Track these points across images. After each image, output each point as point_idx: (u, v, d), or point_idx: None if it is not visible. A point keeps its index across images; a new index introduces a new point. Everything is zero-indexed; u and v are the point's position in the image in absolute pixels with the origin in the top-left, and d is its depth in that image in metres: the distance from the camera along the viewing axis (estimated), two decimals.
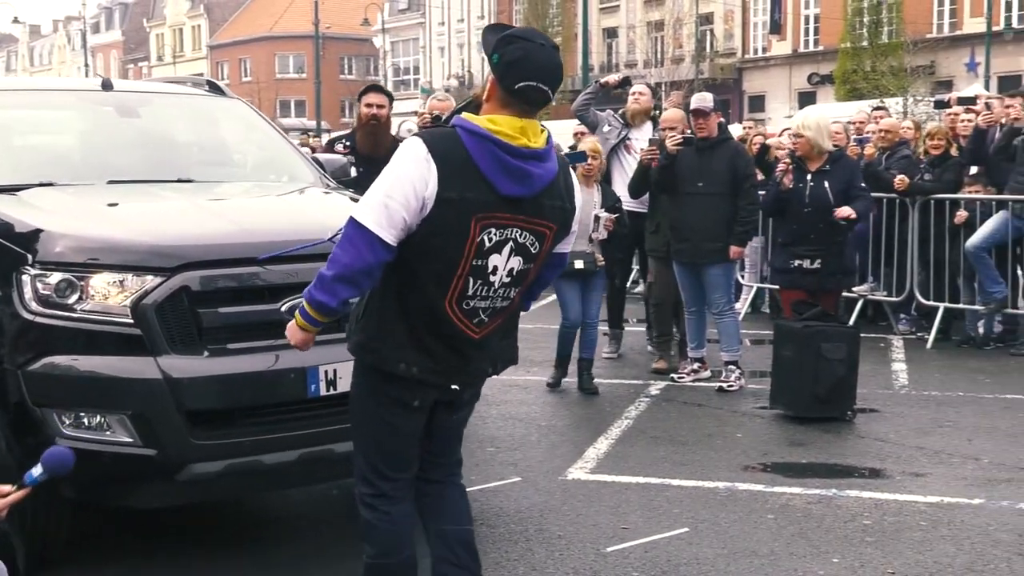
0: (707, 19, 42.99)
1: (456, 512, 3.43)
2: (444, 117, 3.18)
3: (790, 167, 7.26)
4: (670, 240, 7.75)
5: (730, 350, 7.62)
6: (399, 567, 3.29)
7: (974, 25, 35.13)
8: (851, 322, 8.83)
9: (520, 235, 3.08)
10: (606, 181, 7.88)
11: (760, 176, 8.88)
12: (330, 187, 5.47)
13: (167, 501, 4.14)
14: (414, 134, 3.11)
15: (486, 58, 3.08)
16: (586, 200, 6.30)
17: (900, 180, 9.17)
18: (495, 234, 3.03)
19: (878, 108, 13.07)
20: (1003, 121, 9.24)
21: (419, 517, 3.40)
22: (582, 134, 10.15)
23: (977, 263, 8.89)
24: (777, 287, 8.30)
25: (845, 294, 9.41)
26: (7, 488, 2.86)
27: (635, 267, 10.29)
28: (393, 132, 7.60)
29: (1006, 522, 4.84)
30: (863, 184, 7.36)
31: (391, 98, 7.15)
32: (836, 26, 37.50)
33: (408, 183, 2.95)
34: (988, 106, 9.82)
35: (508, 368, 3.51)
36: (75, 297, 3.87)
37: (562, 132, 10.93)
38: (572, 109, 9.08)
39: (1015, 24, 34.89)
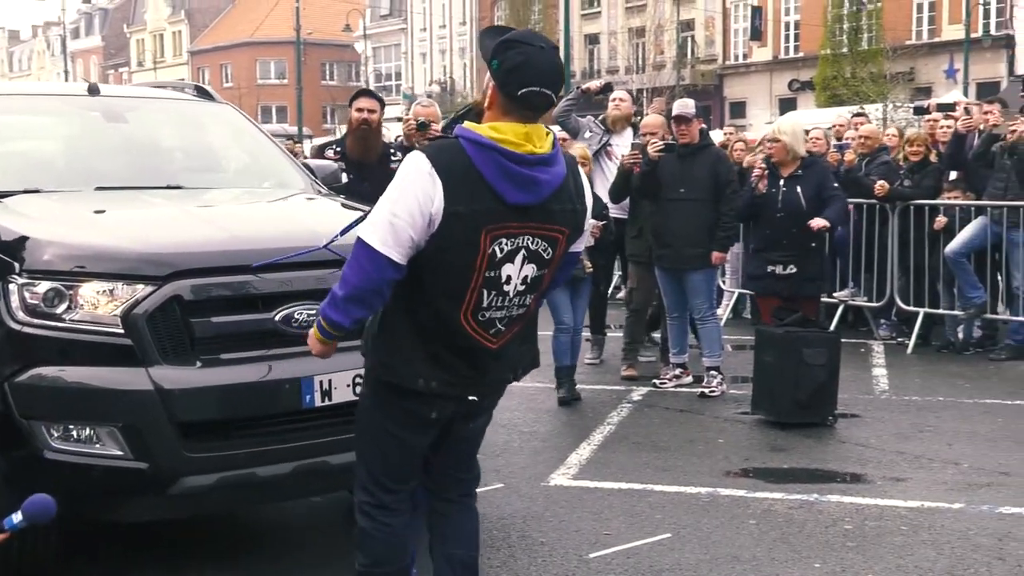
0: (688, 25, 43.15)
1: (466, 538, 3.39)
2: (443, 125, 3.13)
3: (765, 172, 7.31)
4: (652, 246, 7.77)
5: (712, 356, 7.65)
6: None
7: (953, 32, 35.37)
8: (832, 327, 8.86)
9: (532, 242, 3.02)
10: None
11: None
12: (321, 193, 5.40)
13: (158, 515, 4.04)
14: (416, 148, 3.01)
15: (485, 63, 3.01)
16: None
17: (880, 186, 9.22)
18: (506, 244, 2.97)
19: (858, 115, 13.13)
20: (981, 127, 9.31)
21: (428, 533, 3.37)
22: (564, 140, 10.16)
23: (956, 268, 8.94)
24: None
25: (825, 299, 9.47)
26: None
27: (618, 273, 10.31)
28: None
29: (986, 526, 4.87)
30: (835, 185, 7.41)
31: (382, 103, 7.08)
32: (816, 33, 37.71)
33: (413, 200, 2.89)
34: (967, 111, 9.90)
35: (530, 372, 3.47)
36: (64, 306, 3.78)
37: None
38: (553, 115, 9.08)
39: (993, 31, 35.13)
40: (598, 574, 4.36)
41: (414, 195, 2.89)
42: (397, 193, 2.93)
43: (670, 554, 4.56)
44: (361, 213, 3.51)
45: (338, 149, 6.87)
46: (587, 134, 8.62)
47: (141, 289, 3.77)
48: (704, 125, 8.06)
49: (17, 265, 3.84)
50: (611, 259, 8.99)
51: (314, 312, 3.80)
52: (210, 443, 3.83)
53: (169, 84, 7.12)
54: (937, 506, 5.16)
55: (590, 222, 3.28)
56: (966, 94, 29.38)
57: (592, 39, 47.56)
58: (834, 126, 12.24)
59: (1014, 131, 8.65)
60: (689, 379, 7.87)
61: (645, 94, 37.26)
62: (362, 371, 3.47)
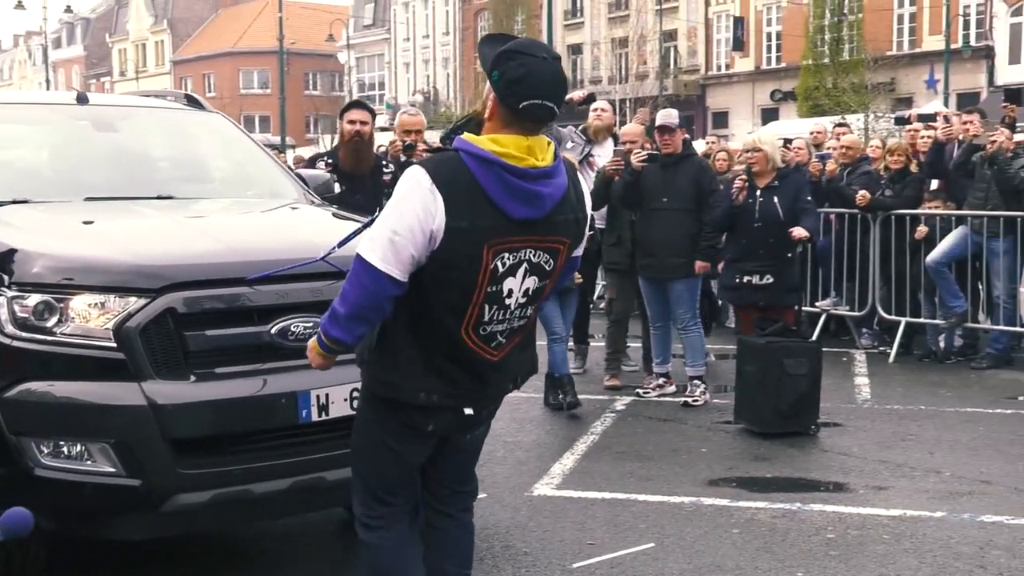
0: (671, 36, 43.33)
1: (461, 555, 3.36)
2: (442, 136, 3.05)
3: (746, 183, 7.36)
4: (634, 255, 7.79)
5: (695, 365, 7.66)
6: None
7: (933, 43, 35.63)
8: (814, 337, 8.90)
9: (534, 255, 2.97)
10: None
11: None
12: (314, 203, 5.33)
13: (151, 533, 3.93)
14: (416, 163, 2.94)
15: (484, 73, 2.94)
16: None
17: (862, 196, 9.27)
18: (508, 258, 2.92)
19: (840, 125, 13.22)
20: (960, 137, 9.38)
21: (423, 545, 3.32)
22: None
23: (937, 278, 8.99)
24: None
25: (807, 309, 9.52)
26: None
27: (601, 282, 10.32)
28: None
29: (967, 535, 4.89)
30: (809, 198, 7.48)
31: (374, 114, 7.03)
32: (798, 43, 37.92)
33: (414, 217, 2.82)
34: (947, 120, 9.98)
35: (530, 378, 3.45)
36: (54, 320, 3.70)
37: None
38: None
39: (973, 42, 35.42)
40: None
41: (414, 211, 2.83)
42: (397, 209, 2.86)
43: (654, 564, 4.56)
44: (358, 224, 3.47)
45: (330, 161, 6.81)
46: (569, 144, 8.63)
47: (134, 302, 3.69)
48: (687, 135, 8.08)
49: (6, 278, 3.77)
50: (595, 269, 9.00)
51: (311, 325, 3.80)
52: (204, 459, 3.75)
53: (159, 93, 7.05)
54: (919, 515, 5.17)
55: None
56: (946, 104, 29.55)
57: (575, 49, 47.68)
58: (812, 132, 12.45)
59: (994, 141, 8.71)
60: (672, 388, 7.88)
61: (628, 104, 37.37)
62: (359, 385, 3.41)
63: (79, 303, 3.72)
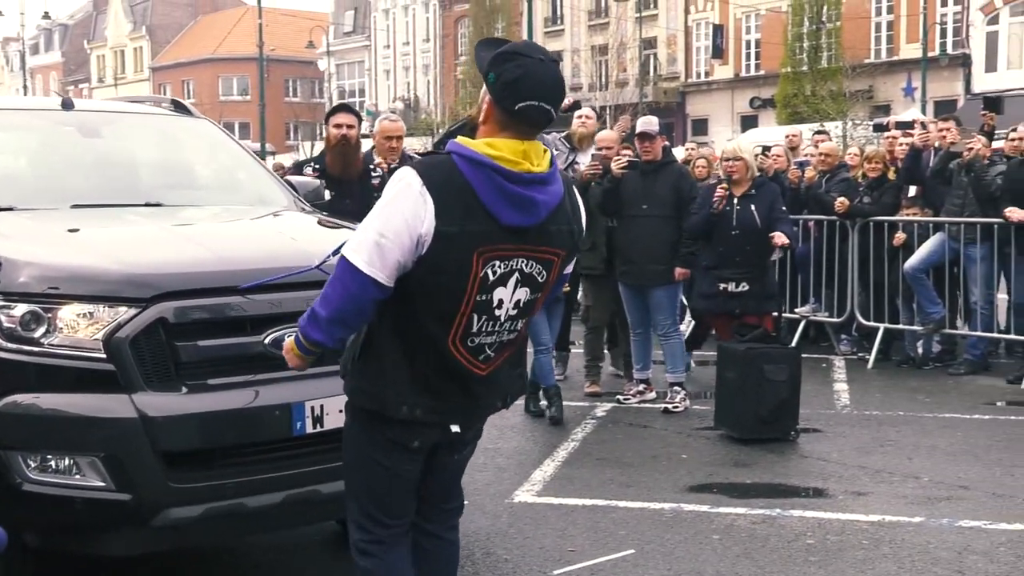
0: (650, 43, 43.46)
1: (447, 572, 3.27)
2: (435, 141, 2.94)
3: (727, 191, 7.40)
4: (609, 260, 7.81)
5: (675, 371, 7.68)
6: None
7: (910, 51, 35.88)
8: (793, 343, 8.94)
9: (526, 265, 2.86)
10: None
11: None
12: (305, 210, 5.25)
13: (142, 549, 3.82)
14: (407, 165, 2.86)
15: (481, 76, 2.86)
16: None
17: (840, 203, 9.32)
18: (499, 267, 2.82)
19: (819, 132, 13.31)
20: (936, 144, 9.45)
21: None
22: None
23: (915, 284, 9.05)
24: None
25: (787, 315, 9.55)
26: None
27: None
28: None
29: (945, 540, 4.91)
30: (783, 207, 7.53)
31: (360, 118, 6.91)
32: (777, 51, 38.12)
33: (401, 220, 2.73)
34: (924, 125, 10.05)
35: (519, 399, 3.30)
36: (42, 330, 3.61)
37: None
38: None
39: (950, 50, 35.70)
40: None
41: (402, 214, 2.73)
42: (385, 211, 2.77)
43: (634, 570, 4.57)
44: (353, 232, 3.42)
45: (317, 166, 6.68)
46: (553, 152, 8.63)
47: (124, 312, 3.60)
48: (667, 142, 8.11)
49: None
50: (579, 277, 9.00)
51: None
52: (196, 473, 3.66)
53: (145, 98, 6.95)
54: (898, 520, 5.20)
55: None
56: (924, 112, 29.76)
57: (555, 56, 47.69)
58: (788, 136, 12.65)
59: (971, 149, 8.79)
60: (653, 395, 7.90)
61: (608, 111, 37.47)
62: None
63: (67, 313, 3.63)
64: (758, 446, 6.59)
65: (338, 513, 3.90)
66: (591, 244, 8.05)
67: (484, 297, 2.83)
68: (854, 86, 35.15)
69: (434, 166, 2.80)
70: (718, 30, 41.54)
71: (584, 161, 8.55)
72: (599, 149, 7.96)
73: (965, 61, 35.62)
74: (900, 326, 9.47)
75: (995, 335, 9.15)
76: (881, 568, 4.58)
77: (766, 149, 11.11)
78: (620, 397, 7.89)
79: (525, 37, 33.80)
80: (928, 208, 9.38)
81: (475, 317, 2.85)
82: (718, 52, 41.63)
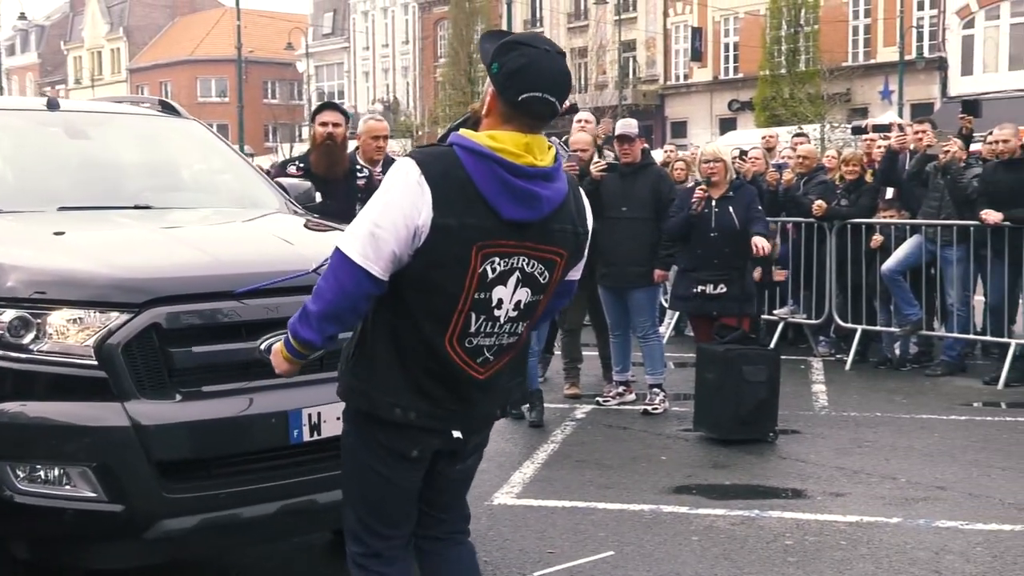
0: (630, 46, 43.56)
1: (470, 568, 3.12)
2: (440, 137, 2.86)
3: (707, 192, 7.42)
4: (594, 264, 7.82)
5: (654, 373, 7.70)
6: None
7: (888, 54, 36.13)
8: (772, 345, 8.98)
9: (527, 264, 2.75)
10: None
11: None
12: (297, 212, 5.15)
13: (134, 561, 3.68)
14: (406, 154, 2.77)
15: (485, 68, 2.74)
16: None
17: (818, 206, 9.36)
18: (499, 264, 2.71)
19: (798, 135, 13.38)
20: (912, 147, 9.51)
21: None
22: None
23: (892, 286, 9.10)
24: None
25: (765, 317, 9.59)
26: None
27: None
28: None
29: (922, 540, 4.94)
30: (759, 207, 7.56)
31: (347, 116, 6.75)
32: (755, 54, 38.28)
33: (398, 210, 2.63)
34: (901, 128, 10.12)
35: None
36: (31, 336, 3.50)
37: None
38: None
39: (927, 53, 35.96)
40: None
41: (399, 205, 2.63)
42: (381, 202, 2.67)
43: (614, 572, 4.57)
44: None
45: (301, 165, 6.54)
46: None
47: (116, 317, 3.50)
48: (646, 144, 8.13)
49: None
50: None
51: None
52: (190, 483, 3.57)
53: (132, 98, 6.83)
54: (875, 521, 5.22)
55: None
56: (901, 115, 30.00)
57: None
58: (765, 137, 12.77)
59: (947, 151, 8.84)
60: (632, 396, 7.91)
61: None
62: None
63: (57, 319, 3.52)
64: (737, 447, 6.61)
65: (336, 523, 3.81)
66: None
67: (483, 295, 2.73)
68: (832, 89, 35.35)
69: (433, 156, 2.71)
70: (697, 33, 41.70)
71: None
72: (574, 151, 7.97)
73: (941, 64, 35.91)
74: (877, 328, 9.52)
75: (971, 336, 9.21)
76: (859, 568, 4.60)
77: (743, 153, 11.15)
78: (600, 399, 7.90)
79: (478, 46, 33.79)
80: (905, 210, 9.43)
81: (473, 316, 2.74)
82: (697, 55, 41.79)
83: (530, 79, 2.65)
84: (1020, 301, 8.86)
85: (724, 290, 7.35)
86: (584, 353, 8.47)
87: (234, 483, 3.63)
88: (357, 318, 2.78)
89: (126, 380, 3.48)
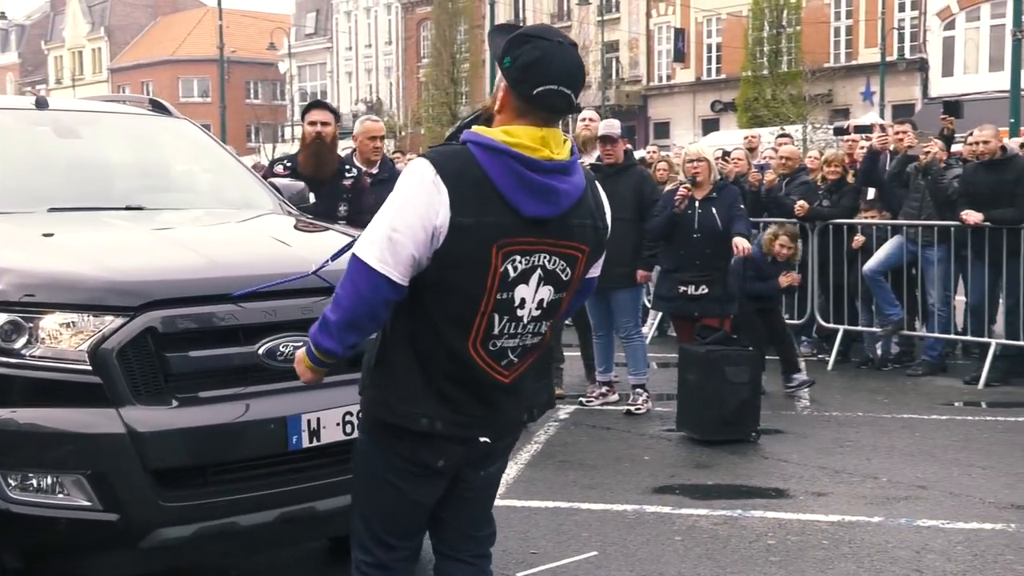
0: (613, 47, 43.63)
1: None
2: (449, 134, 2.81)
3: (691, 192, 7.44)
4: None
5: (637, 373, 7.70)
6: None
7: (869, 55, 36.33)
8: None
9: (549, 261, 2.68)
10: None
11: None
12: (291, 213, 5.07)
13: (129, 571, 3.59)
14: (420, 155, 2.68)
15: (497, 62, 2.68)
16: None
17: (800, 206, 9.40)
18: (520, 262, 2.63)
19: (782, 135, 13.44)
20: (892, 148, 9.56)
21: None
22: None
23: (874, 286, 9.14)
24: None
25: None
26: None
27: None
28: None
29: (904, 539, 4.96)
30: (741, 206, 7.59)
31: (337, 115, 6.60)
32: (737, 55, 38.42)
33: (414, 212, 2.55)
34: (883, 128, 10.17)
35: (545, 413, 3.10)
36: (23, 341, 3.40)
37: None
38: None
39: (908, 55, 36.15)
40: None
41: (415, 206, 2.55)
42: (397, 204, 2.58)
43: (597, 572, 4.58)
44: (350, 238, 3.15)
45: (289, 165, 6.44)
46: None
47: (111, 321, 3.41)
48: (629, 145, 8.14)
49: None
50: None
51: (300, 344, 3.42)
52: (187, 491, 3.48)
53: (121, 97, 6.74)
54: (857, 520, 5.25)
55: None
56: (882, 116, 30.09)
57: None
58: (747, 137, 12.85)
59: (928, 152, 8.89)
60: (615, 397, 7.92)
61: None
62: (352, 408, 3.14)
63: (50, 323, 3.43)
64: (720, 447, 6.63)
65: (336, 530, 3.76)
66: None
67: (505, 295, 2.65)
68: (814, 90, 35.51)
69: (448, 155, 2.63)
70: (679, 34, 41.82)
71: (587, 163, 8.54)
72: None
73: (922, 66, 36.13)
74: (859, 328, 9.57)
75: (952, 336, 9.26)
76: (841, 568, 4.62)
77: (726, 154, 11.19)
78: (583, 399, 7.90)
79: (487, 41, 33.80)
80: (886, 211, 9.48)
81: (496, 318, 2.66)
82: (679, 56, 41.90)
83: (544, 72, 2.58)
84: (1000, 301, 8.92)
85: (706, 291, 7.37)
86: (566, 354, 8.48)
87: (232, 491, 3.55)
88: (377, 326, 2.70)
89: (121, 386, 3.40)
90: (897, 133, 9.63)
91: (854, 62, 37.43)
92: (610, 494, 5.69)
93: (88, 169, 5.05)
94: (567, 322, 8.39)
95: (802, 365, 8.79)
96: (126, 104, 6.02)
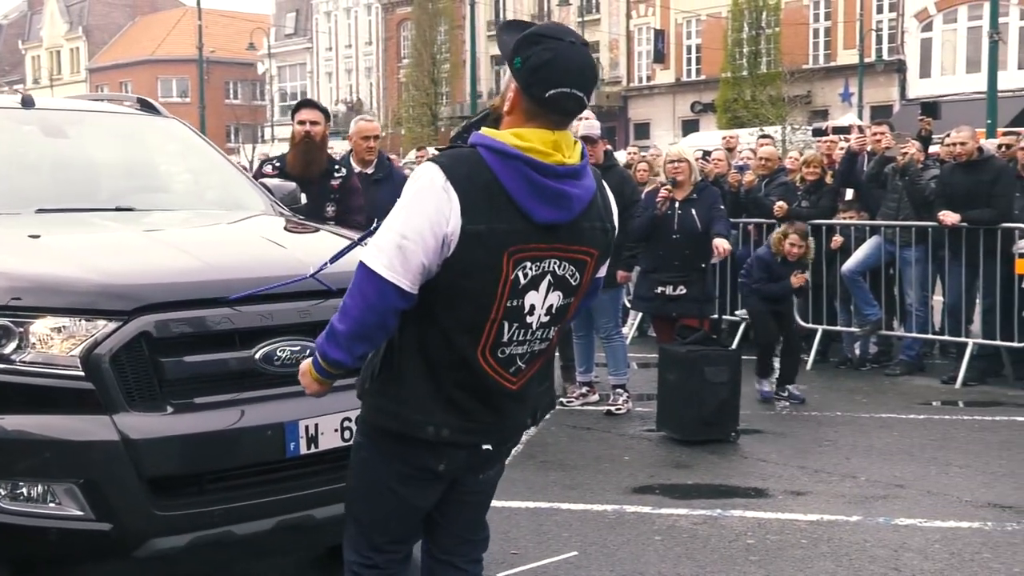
0: (593, 48, 43.57)
1: None
2: (455, 134, 2.74)
3: (671, 193, 7.46)
4: None
5: (617, 374, 7.72)
6: None
7: (848, 57, 36.53)
8: (734, 345, 9.03)
9: (559, 266, 2.63)
10: None
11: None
12: (284, 215, 5.00)
13: None
14: (428, 159, 2.63)
15: (506, 62, 2.62)
16: None
17: (779, 207, 9.43)
18: (530, 268, 2.59)
19: (763, 136, 13.52)
20: (870, 148, 9.62)
21: None
22: None
23: (852, 287, 9.19)
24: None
25: (727, 317, 9.65)
26: None
27: None
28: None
29: (882, 538, 4.99)
30: (721, 206, 7.63)
31: (327, 114, 6.52)
32: (717, 56, 38.55)
33: (424, 219, 2.49)
34: (861, 130, 10.23)
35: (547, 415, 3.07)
36: (12, 346, 3.32)
37: None
38: None
39: (886, 56, 36.36)
40: None
41: (425, 213, 2.49)
42: (406, 211, 2.52)
43: (577, 572, 4.58)
44: (349, 241, 3.11)
45: (277, 164, 6.35)
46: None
47: (103, 325, 3.32)
48: (609, 146, 8.16)
49: None
50: None
51: (298, 348, 3.50)
52: (182, 499, 3.40)
53: (109, 96, 6.65)
54: (836, 519, 5.27)
55: None
56: (861, 117, 30.33)
57: (498, 60, 47.67)
58: (725, 138, 12.94)
59: (905, 153, 8.95)
60: (595, 397, 7.93)
61: None
62: (351, 414, 3.10)
63: (41, 327, 3.34)
64: (699, 447, 6.65)
65: (334, 539, 3.69)
66: None
67: (515, 302, 2.60)
68: (793, 91, 35.69)
69: (458, 159, 2.56)
70: (659, 35, 41.92)
71: None
72: None
73: (900, 67, 36.35)
74: (838, 328, 9.61)
75: (930, 336, 9.32)
76: (819, 566, 4.65)
77: (707, 153, 11.22)
78: (563, 400, 7.91)
79: (468, 41, 33.85)
80: (864, 211, 9.53)
81: (506, 325, 2.62)
82: (660, 57, 42.00)
83: (557, 74, 2.51)
84: (977, 301, 8.98)
85: (684, 291, 7.40)
86: None
87: (228, 499, 3.47)
88: (387, 335, 2.63)
89: (114, 392, 3.31)
90: (875, 134, 9.69)
91: (833, 63, 37.63)
92: (590, 494, 5.70)
93: (76, 169, 4.95)
94: None
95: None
96: (114, 103, 5.92)
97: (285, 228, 4.70)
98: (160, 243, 4.11)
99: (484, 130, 2.60)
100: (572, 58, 2.53)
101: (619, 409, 7.60)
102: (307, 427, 3.52)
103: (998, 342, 8.54)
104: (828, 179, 9.80)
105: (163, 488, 3.37)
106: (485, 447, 2.75)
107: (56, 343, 3.34)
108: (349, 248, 3.04)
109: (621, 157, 12.24)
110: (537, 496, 5.66)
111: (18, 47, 74.98)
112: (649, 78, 43.28)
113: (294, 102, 7.51)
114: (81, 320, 3.35)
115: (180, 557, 3.41)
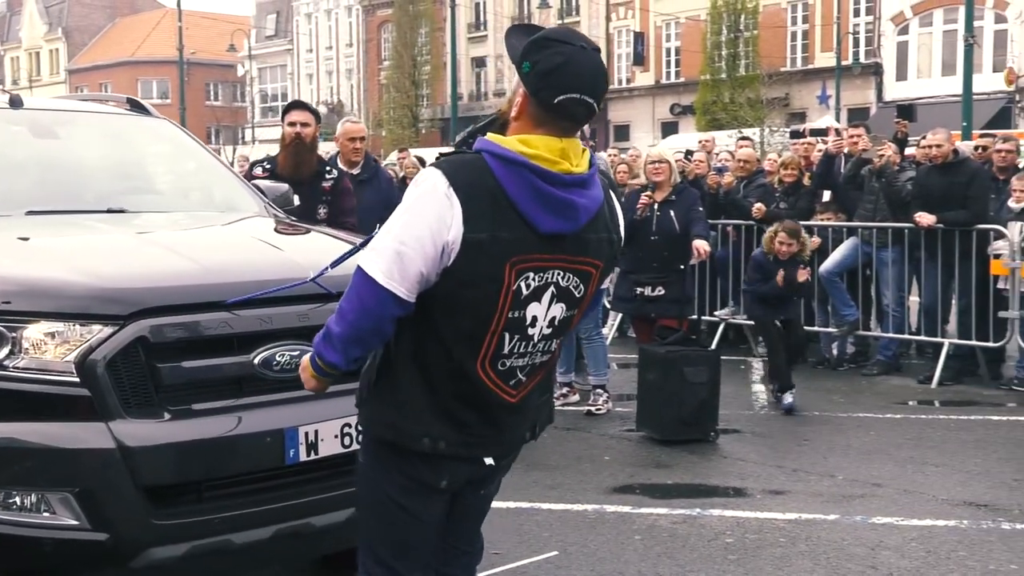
0: None
1: None
2: (459, 139, 2.68)
3: (652, 199, 7.51)
4: None
5: (598, 374, 7.75)
6: None
7: (825, 60, 36.74)
8: (713, 345, 9.08)
9: (562, 277, 2.55)
10: None
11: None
12: (278, 217, 4.94)
13: None
14: (431, 164, 2.55)
15: (515, 66, 2.55)
16: None
17: (757, 208, 9.50)
18: (533, 279, 2.51)
19: (742, 138, 13.58)
20: (846, 151, 9.70)
21: None
22: None
23: (830, 287, 9.26)
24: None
25: (706, 318, 9.70)
26: None
27: None
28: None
29: (860, 536, 5.04)
30: (700, 208, 7.68)
31: (318, 116, 6.49)
32: (696, 59, 38.70)
33: (425, 226, 2.42)
34: (838, 132, 10.32)
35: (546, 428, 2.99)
36: (5, 352, 3.23)
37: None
38: None
39: (863, 59, 36.58)
40: None
41: (426, 220, 2.42)
42: (406, 217, 2.45)
43: (557, 572, 4.61)
44: (344, 243, 3.02)
45: (268, 166, 6.32)
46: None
47: (99, 330, 3.24)
48: (592, 144, 8.20)
49: None
50: None
51: (297, 353, 3.42)
52: (180, 508, 3.32)
53: (98, 96, 6.55)
54: (813, 518, 5.32)
55: None
56: (838, 119, 30.50)
57: (479, 62, 47.86)
58: (701, 141, 13.06)
59: (882, 155, 9.03)
60: (576, 397, 7.96)
61: None
62: (351, 419, 3.05)
63: (34, 332, 3.25)
64: (679, 447, 6.69)
65: (333, 547, 3.68)
66: None
67: (517, 314, 2.52)
68: (771, 93, 35.88)
69: (462, 165, 2.48)
70: (639, 38, 42.04)
71: None
72: None
73: (877, 70, 36.59)
74: (815, 328, 9.68)
75: (906, 336, 9.40)
76: (798, 565, 4.69)
77: (689, 153, 11.28)
78: None
79: (448, 42, 33.83)
80: (842, 213, 9.61)
81: (506, 337, 2.54)
82: (639, 59, 42.12)
83: (567, 80, 2.44)
84: (952, 302, 9.06)
85: (662, 292, 7.45)
86: None
87: (226, 507, 3.39)
88: (382, 340, 2.57)
89: (110, 398, 3.22)
90: (852, 136, 9.77)
91: (810, 66, 37.86)
92: (571, 494, 5.73)
93: (66, 170, 4.86)
94: None
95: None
96: (104, 103, 5.86)
97: (281, 231, 4.62)
98: (154, 245, 4.02)
99: (490, 135, 2.53)
100: (583, 63, 2.47)
101: (599, 409, 7.64)
102: (307, 433, 3.45)
103: (974, 342, 8.62)
104: (806, 181, 9.87)
105: (160, 496, 3.30)
106: (488, 462, 2.70)
107: (50, 349, 3.26)
108: (351, 253, 2.98)
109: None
110: (518, 496, 5.67)
111: None
112: (629, 80, 43.38)
113: (275, 104, 7.51)
114: (76, 325, 3.27)
115: (178, 566, 3.33)
